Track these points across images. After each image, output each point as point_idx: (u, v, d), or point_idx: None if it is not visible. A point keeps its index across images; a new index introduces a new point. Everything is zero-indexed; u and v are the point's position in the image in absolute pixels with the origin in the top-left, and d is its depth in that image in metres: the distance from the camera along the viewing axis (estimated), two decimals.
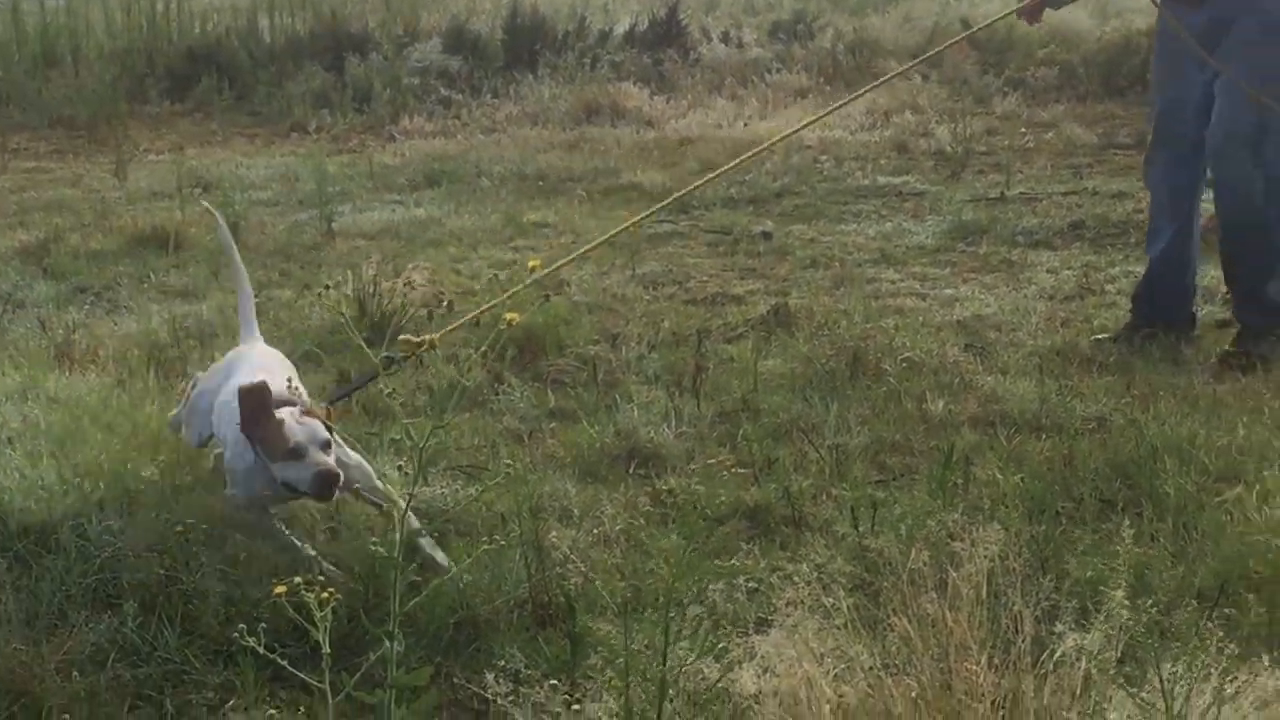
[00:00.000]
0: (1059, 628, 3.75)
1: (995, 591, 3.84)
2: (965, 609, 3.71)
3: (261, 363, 6.11)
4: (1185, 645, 3.46)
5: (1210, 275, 9.30)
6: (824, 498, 6.30)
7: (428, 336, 6.06)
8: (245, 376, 5.80)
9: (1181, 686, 3.37)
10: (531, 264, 3.93)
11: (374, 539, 3.66)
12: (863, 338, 8.45)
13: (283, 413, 5.51)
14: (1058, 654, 3.71)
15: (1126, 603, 3.73)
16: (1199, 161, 8.49)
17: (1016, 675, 3.67)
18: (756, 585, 5.12)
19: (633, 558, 5.61)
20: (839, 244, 11.37)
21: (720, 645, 3.83)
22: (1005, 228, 11.71)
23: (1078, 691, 3.61)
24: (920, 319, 9.13)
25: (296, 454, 5.43)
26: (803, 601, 3.87)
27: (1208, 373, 8.00)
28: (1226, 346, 8.31)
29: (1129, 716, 3.51)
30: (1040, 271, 10.51)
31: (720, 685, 3.74)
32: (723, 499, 6.30)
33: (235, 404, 5.58)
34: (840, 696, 3.69)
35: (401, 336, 6.05)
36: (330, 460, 5.42)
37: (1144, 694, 3.39)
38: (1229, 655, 3.75)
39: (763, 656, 3.79)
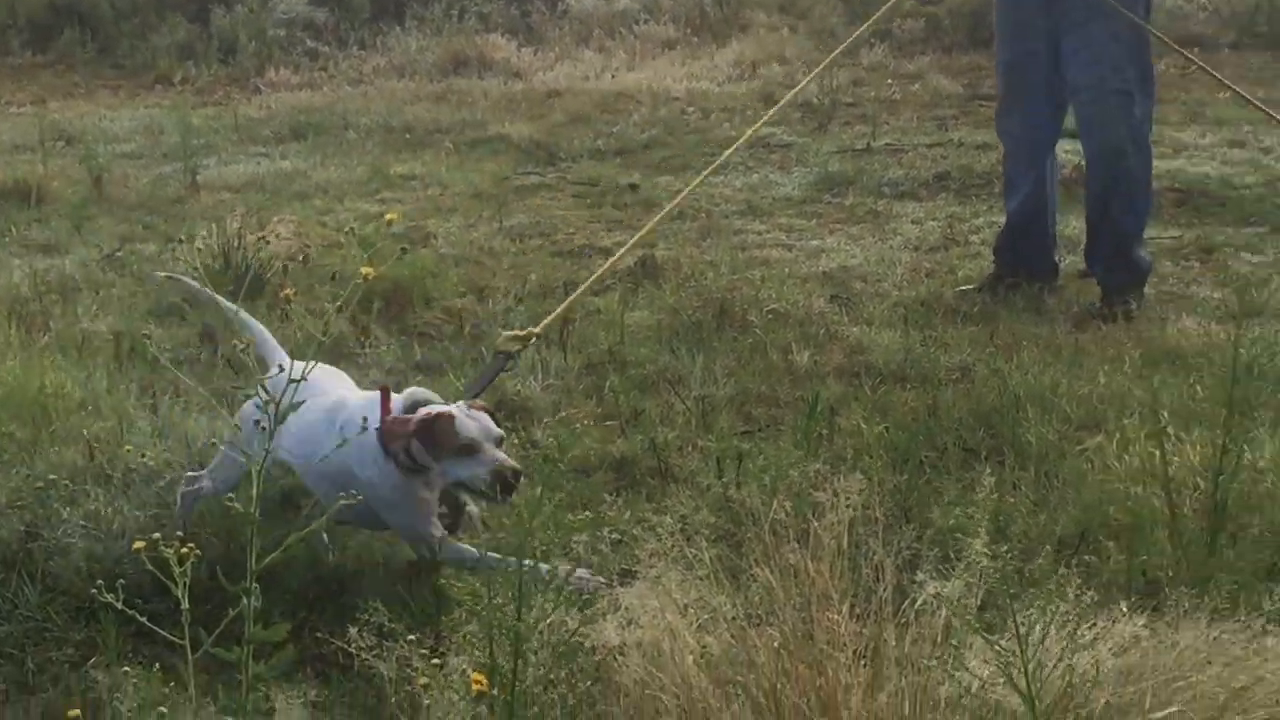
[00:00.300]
0: (920, 576, 3.77)
1: (857, 541, 3.85)
2: (827, 559, 3.73)
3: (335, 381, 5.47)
4: (1044, 592, 3.48)
5: (1072, 225, 9.40)
6: (690, 449, 6.30)
7: (531, 330, 6.06)
8: (331, 394, 5.24)
9: (1038, 633, 3.40)
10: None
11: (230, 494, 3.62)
12: (729, 289, 8.47)
13: (449, 406, 5.05)
14: (919, 602, 3.73)
15: (986, 551, 3.75)
16: (1051, 112, 8.59)
17: (878, 624, 3.69)
18: (620, 537, 5.13)
19: (498, 510, 5.60)
20: (706, 195, 11.37)
21: (583, 597, 3.82)
22: (871, 179, 11.77)
23: (938, 639, 3.64)
24: (786, 270, 9.16)
25: (469, 450, 4.94)
26: (666, 553, 3.87)
27: (1070, 322, 8.08)
28: (1095, 303, 8.39)
29: (988, 663, 3.53)
30: (905, 223, 10.57)
31: (581, 637, 3.73)
32: (589, 450, 6.29)
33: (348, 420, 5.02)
34: (703, 647, 3.71)
35: (508, 333, 6.04)
36: (505, 457, 4.95)
37: (1003, 641, 3.41)
38: (1087, 602, 3.79)
39: (626, 608, 3.79)
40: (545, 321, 6.13)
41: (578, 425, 6.59)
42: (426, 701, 3.70)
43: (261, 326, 5.77)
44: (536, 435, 6.50)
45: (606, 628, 3.74)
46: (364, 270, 3.26)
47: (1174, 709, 3.57)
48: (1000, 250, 8.82)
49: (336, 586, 5.12)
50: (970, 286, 8.71)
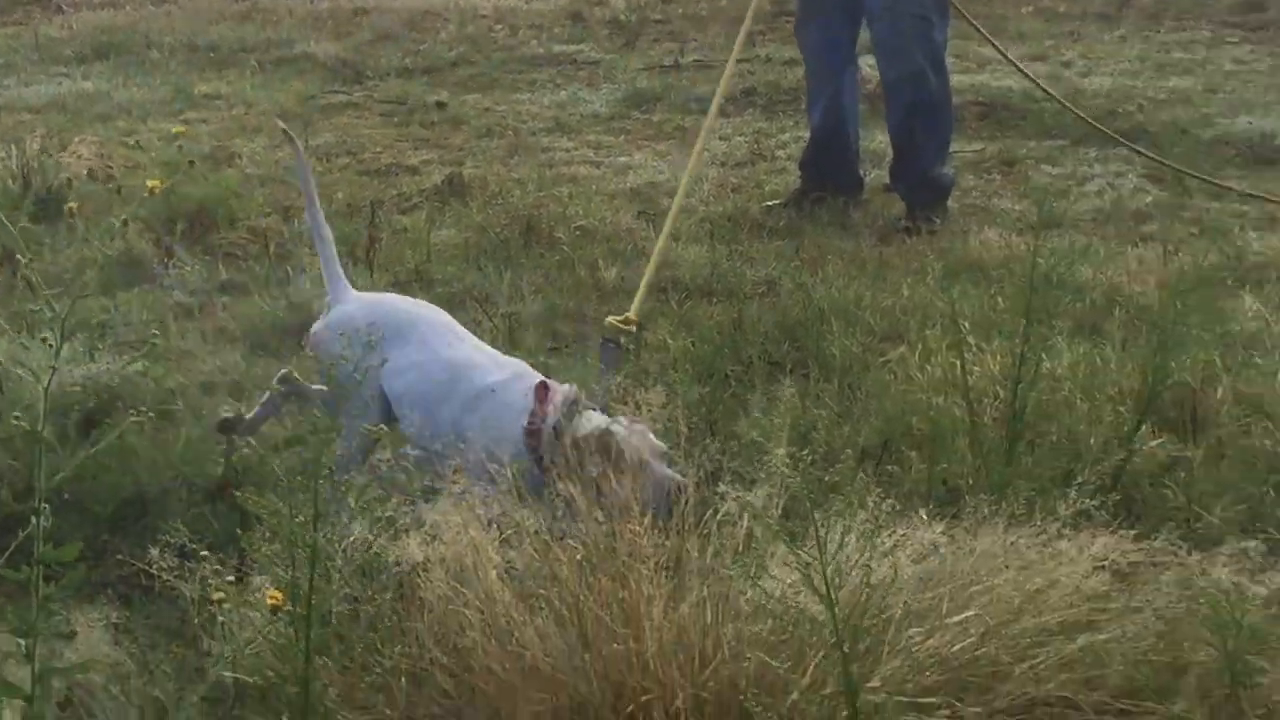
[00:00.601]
0: (722, 488, 3.80)
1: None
2: (630, 472, 3.75)
3: (444, 321, 5.08)
4: (844, 501, 3.52)
5: (878, 139, 9.47)
6: None
7: (629, 315, 5.89)
8: (453, 346, 4.92)
9: (838, 541, 3.43)
10: None
11: (17, 414, 3.54)
12: (536, 206, 8.45)
13: (601, 420, 4.58)
14: (721, 513, 3.77)
15: (788, 461, 3.79)
16: (848, 26, 8.64)
17: (680, 536, 3.72)
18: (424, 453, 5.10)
19: (307, 430, 5.56)
20: (514, 113, 11.34)
21: (387, 514, 3.81)
22: (679, 95, 11.79)
23: (740, 549, 3.68)
24: (594, 187, 9.16)
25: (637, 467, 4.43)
26: (470, 469, 3.88)
27: (874, 236, 8.16)
28: (899, 219, 8.48)
29: (790, 570, 3.56)
30: (713, 138, 10.57)
31: (385, 554, 3.73)
32: None
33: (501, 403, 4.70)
34: (507, 562, 3.72)
35: (608, 320, 5.83)
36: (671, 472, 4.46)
37: (804, 550, 3.44)
38: (888, 510, 3.84)
39: (430, 525, 3.78)
40: (637, 298, 5.92)
41: None
42: (221, 619, 3.68)
43: (333, 248, 5.30)
44: None
45: (410, 544, 3.73)
46: (149, 184, 3.22)
47: (970, 613, 3.63)
48: (805, 165, 8.88)
49: (139, 509, 5.06)
50: (776, 201, 8.76)
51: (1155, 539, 4.05)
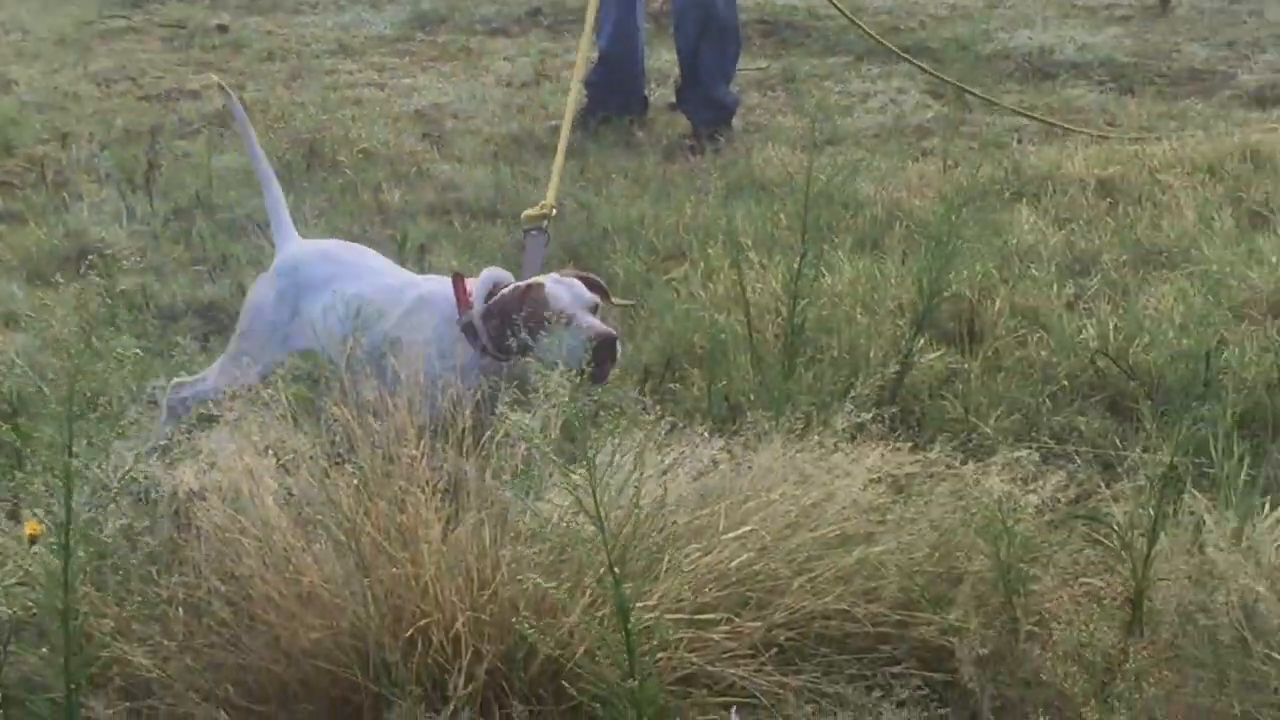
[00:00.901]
0: (500, 409, 3.80)
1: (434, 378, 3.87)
2: (405, 395, 3.73)
3: (364, 260, 4.89)
4: (620, 420, 3.52)
5: (663, 58, 9.49)
6: None
7: (546, 202, 5.69)
8: (368, 277, 4.72)
9: (614, 460, 3.44)
10: None
11: None
12: (319, 130, 8.37)
13: (541, 278, 4.51)
14: (498, 436, 3.76)
15: (565, 381, 3.79)
16: None
17: (457, 459, 3.71)
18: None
19: (85, 359, 5.47)
20: (296, 36, 11.21)
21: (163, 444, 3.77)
22: (464, 16, 11.72)
23: (518, 471, 3.67)
24: (378, 110, 9.09)
25: (565, 322, 4.35)
26: (244, 395, 3.83)
27: (659, 155, 8.17)
28: (685, 138, 8.51)
29: (566, 491, 3.57)
30: (498, 59, 10.56)
31: (160, 483, 3.68)
32: (176, 296, 6.19)
33: (420, 300, 4.57)
34: (285, 488, 3.69)
35: (526, 213, 5.62)
36: (600, 322, 4.41)
37: (578, 471, 3.45)
38: (667, 428, 3.86)
39: (208, 452, 3.74)
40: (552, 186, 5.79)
41: (165, 270, 6.48)
42: None
43: (280, 197, 5.11)
44: (123, 283, 6.34)
45: (186, 472, 3.69)
46: None
47: (748, 528, 3.66)
48: (591, 84, 8.85)
49: None
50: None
51: (930, 450, 4.11)
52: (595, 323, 4.36)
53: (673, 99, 8.99)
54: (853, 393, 4.30)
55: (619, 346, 4.35)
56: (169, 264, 6.61)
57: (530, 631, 3.21)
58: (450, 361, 4.33)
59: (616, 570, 3.15)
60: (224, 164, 7.91)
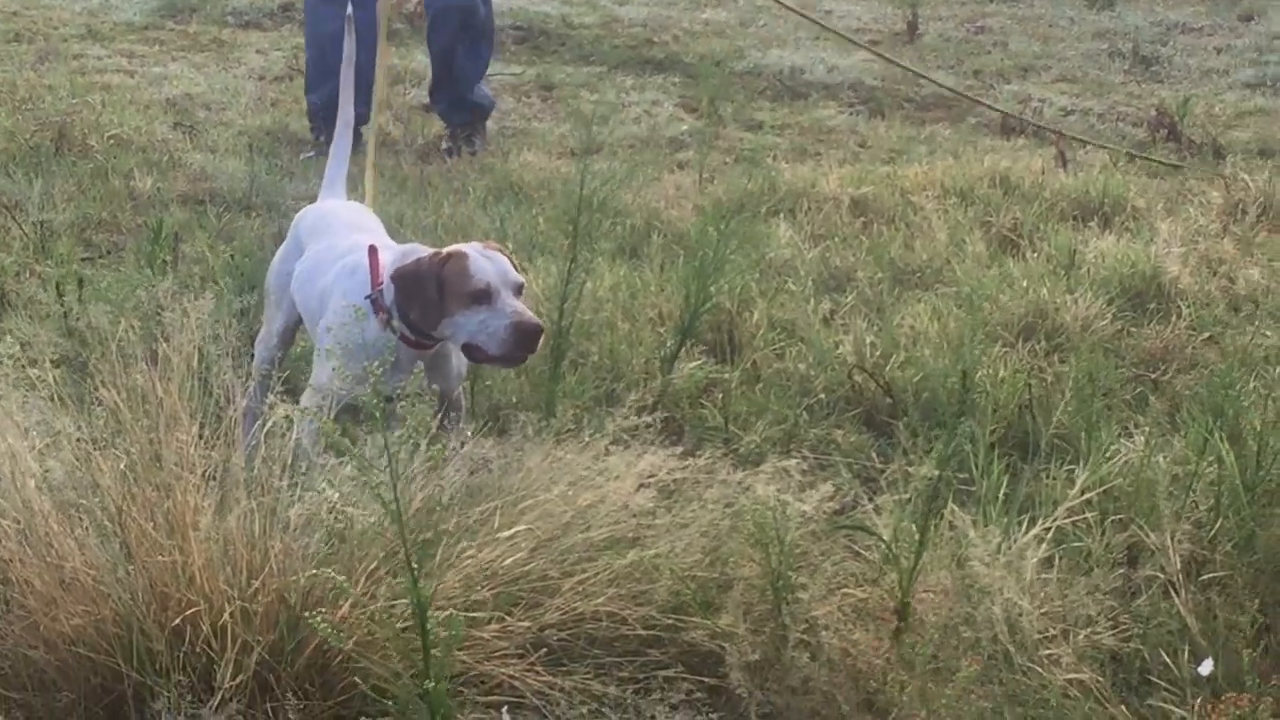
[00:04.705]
0: (272, 398, 3.73)
1: (207, 364, 3.78)
2: (177, 380, 3.65)
3: (351, 219, 4.76)
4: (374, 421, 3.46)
5: (418, 59, 9.45)
6: (27, 275, 6.07)
7: None
8: (340, 234, 4.55)
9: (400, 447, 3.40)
10: None
11: None
12: (69, 114, 8.17)
13: (464, 246, 4.19)
14: (268, 425, 3.70)
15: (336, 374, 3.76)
16: None
17: (228, 446, 3.64)
18: None
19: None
20: (44, 18, 11.00)
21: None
22: (215, 8, 11.61)
23: (289, 462, 3.61)
24: (128, 96, 8.94)
25: (484, 298, 4.07)
26: (6, 375, 3.72)
27: (415, 155, 8.12)
28: (443, 141, 8.48)
29: (338, 483, 3.53)
30: (250, 52, 10.46)
31: None
32: None
33: (345, 267, 4.32)
34: (46, 471, 3.59)
35: None
36: (528, 309, 4.12)
37: (368, 463, 3.43)
38: (433, 427, 3.82)
39: None
40: None
41: None
42: None
43: (345, 157, 5.09)
44: None
45: None
46: None
47: (521, 527, 3.64)
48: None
49: None
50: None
51: (699, 457, 4.12)
52: (522, 309, 4.07)
53: (427, 99, 8.94)
54: (619, 398, 4.29)
55: (538, 338, 4.08)
56: None
57: (323, 626, 3.14)
58: (358, 335, 4.06)
59: (415, 567, 3.09)
60: None
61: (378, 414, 3.07)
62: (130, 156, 7.70)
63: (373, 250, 4.28)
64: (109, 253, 6.49)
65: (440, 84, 8.68)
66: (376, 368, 3.22)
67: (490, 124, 8.71)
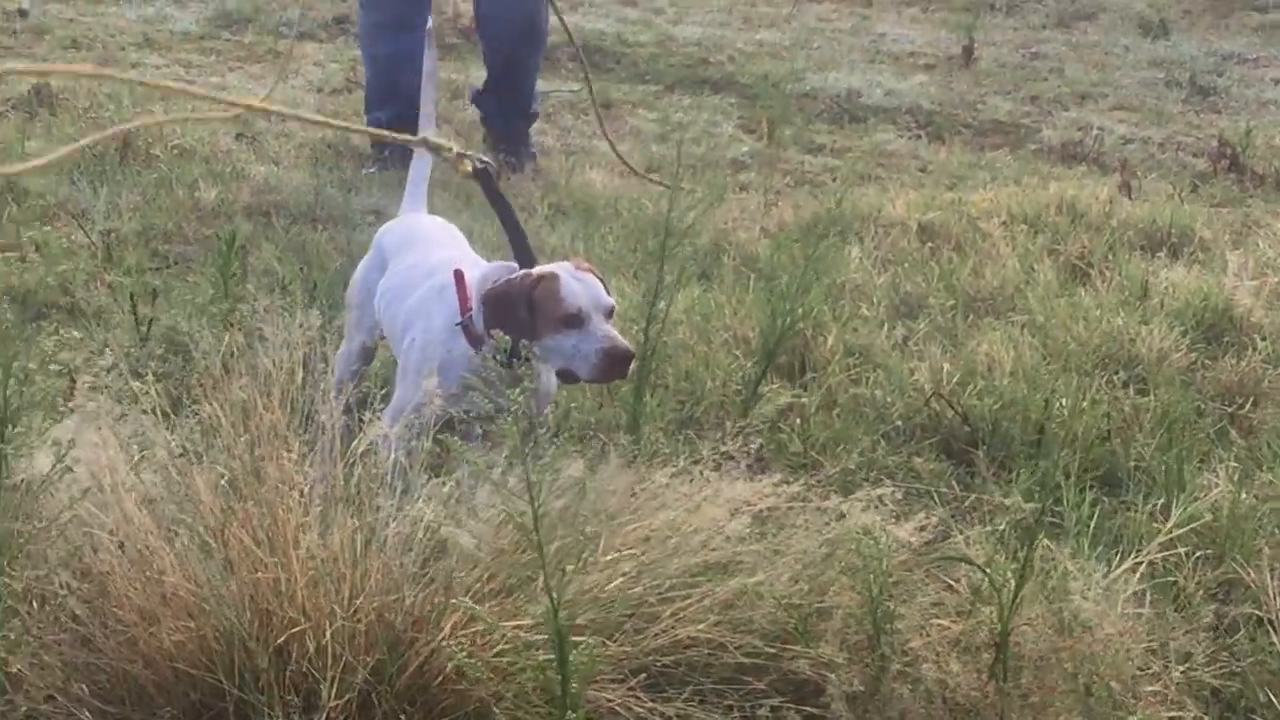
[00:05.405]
0: (368, 416, 3.71)
1: (310, 381, 3.76)
2: (277, 395, 3.63)
3: (437, 235, 4.81)
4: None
5: (475, 75, 9.44)
6: (96, 284, 6.06)
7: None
8: (426, 251, 4.58)
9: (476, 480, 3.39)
10: None
11: None
12: (131, 122, 8.15)
13: (556, 267, 4.16)
14: (366, 443, 3.67)
15: (439, 392, 3.74)
16: None
17: (332, 462, 3.61)
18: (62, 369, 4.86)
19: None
20: (101, 26, 11.01)
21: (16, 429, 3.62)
22: (269, 18, 11.57)
23: (388, 479, 3.59)
24: (190, 107, 8.90)
25: (575, 323, 4.04)
26: (106, 387, 3.70)
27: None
28: (500, 154, 8.44)
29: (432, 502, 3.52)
30: (307, 64, 10.45)
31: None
32: None
33: (434, 287, 4.32)
34: (143, 484, 3.57)
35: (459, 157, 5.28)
36: (618, 334, 4.08)
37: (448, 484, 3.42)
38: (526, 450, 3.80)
39: (67, 442, 3.60)
40: None
41: None
42: None
43: (426, 172, 5.11)
44: None
45: (40, 459, 3.55)
46: None
47: (625, 552, 3.61)
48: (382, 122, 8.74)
49: None
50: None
51: (791, 484, 4.08)
52: (613, 333, 4.05)
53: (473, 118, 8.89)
54: (724, 423, 4.27)
55: (629, 364, 4.08)
56: None
57: (461, 656, 3.10)
58: (447, 350, 4.14)
59: (555, 595, 3.05)
60: (32, 150, 7.69)
61: (515, 437, 3.01)
62: (194, 167, 7.70)
63: (459, 276, 4.25)
64: (175, 263, 6.47)
65: (498, 90, 8.61)
66: (475, 389, 3.23)
67: (551, 140, 8.69)
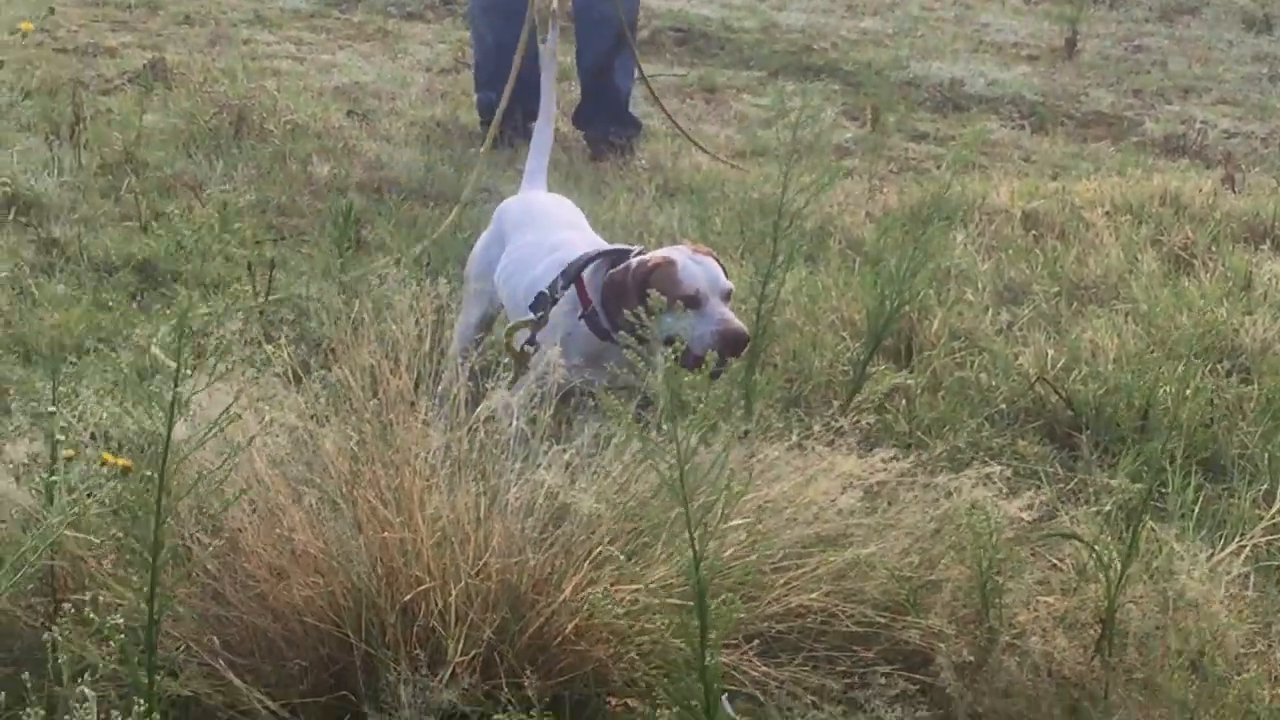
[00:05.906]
0: (489, 384, 3.80)
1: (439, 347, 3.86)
2: (405, 361, 3.72)
3: (558, 212, 4.99)
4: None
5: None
6: (213, 255, 6.17)
7: None
8: (547, 229, 4.77)
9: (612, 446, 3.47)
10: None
11: None
12: (247, 97, 8.28)
13: (673, 251, 4.34)
14: (490, 409, 3.76)
15: (560, 361, 3.83)
16: None
17: (452, 428, 3.71)
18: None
19: (20, 306, 5.46)
20: (213, 2, 11.12)
21: (152, 390, 3.72)
22: None
23: (511, 445, 3.70)
24: (300, 83, 9.04)
25: (692, 303, 4.19)
26: (239, 349, 3.80)
27: (585, 153, 8.21)
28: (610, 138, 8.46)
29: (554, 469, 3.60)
30: (415, 43, 10.55)
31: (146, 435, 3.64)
32: (109, 250, 6.14)
33: (555, 263, 4.49)
34: (276, 445, 3.67)
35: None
36: (734, 316, 4.25)
37: (568, 451, 3.51)
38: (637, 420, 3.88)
39: (200, 404, 3.71)
40: None
41: (96, 224, 6.44)
42: None
43: (546, 149, 5.34)
44: (55, 232, 6.29)
45: (177, 426, 3.65)
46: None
47: (739, 521, 3.68)
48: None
49: None
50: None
51: (902, 460, 4.15)
52: (729, 315, 4.20)
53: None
54: (834, 401, 4.33)
55: (745, 345, 4.23)
56: (100, 218, 6.55)
57: (607, 605, 3.19)
58: (559, 333, 4.28)
59: (696, 549, 3.09)
60: (149, 123, 7.83)
61: (670, 409, 3.07)
62: (307, 142, 7.81)
63: (579, 282, 4.39)
64: (288, 236, 6.58)
65: (594, 103, 8.61)
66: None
67: (657, 123, 8.71)
